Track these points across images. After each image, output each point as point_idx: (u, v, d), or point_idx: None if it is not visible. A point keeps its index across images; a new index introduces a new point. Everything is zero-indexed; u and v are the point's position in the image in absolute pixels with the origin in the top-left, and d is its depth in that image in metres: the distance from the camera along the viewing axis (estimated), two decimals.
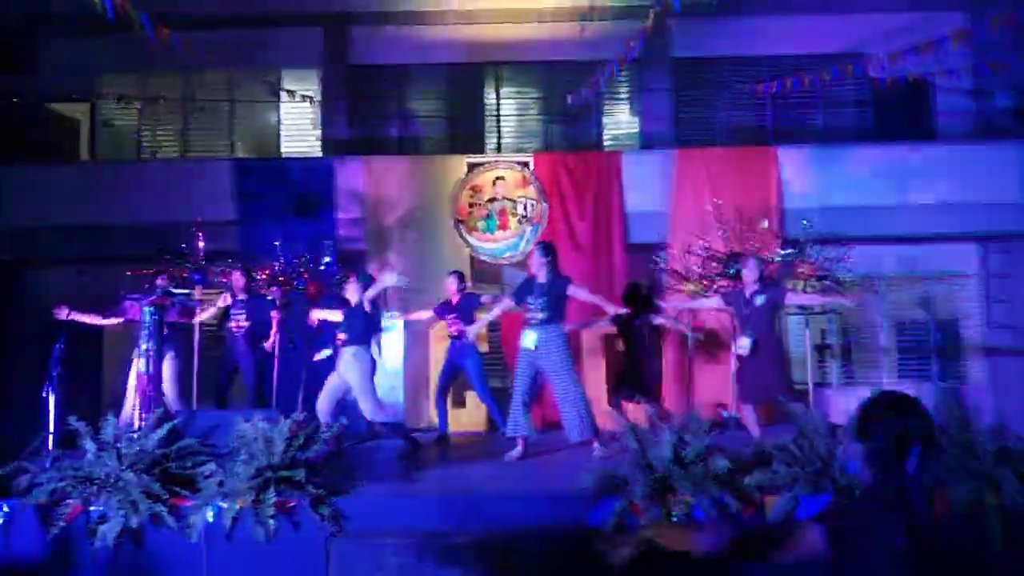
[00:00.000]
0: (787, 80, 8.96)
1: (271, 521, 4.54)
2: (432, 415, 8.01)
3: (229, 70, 8.80)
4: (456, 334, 7.29)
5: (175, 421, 5.24)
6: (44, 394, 5.48)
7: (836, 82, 9.39)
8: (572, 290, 6.24)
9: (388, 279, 6.46)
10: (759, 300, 6.30)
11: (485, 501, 4.78)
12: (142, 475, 4.69)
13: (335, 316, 6.71)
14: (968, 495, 4.27)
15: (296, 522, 4.63)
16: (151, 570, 4.62)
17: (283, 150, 10.67)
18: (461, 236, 9.01)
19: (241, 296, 7.49)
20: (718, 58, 10.50)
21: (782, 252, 8.23)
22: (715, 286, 8.01)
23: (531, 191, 9.09)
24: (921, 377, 9.59)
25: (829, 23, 10.15)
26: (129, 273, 7.68)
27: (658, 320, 7.35)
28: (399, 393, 8.39)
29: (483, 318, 6.93)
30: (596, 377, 7.87)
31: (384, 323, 8.48)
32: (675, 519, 4.35)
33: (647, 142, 10.32)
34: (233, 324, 7.44)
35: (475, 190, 9.12)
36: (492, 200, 9.09)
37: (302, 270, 7.96)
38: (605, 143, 10.64)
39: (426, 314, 7.64)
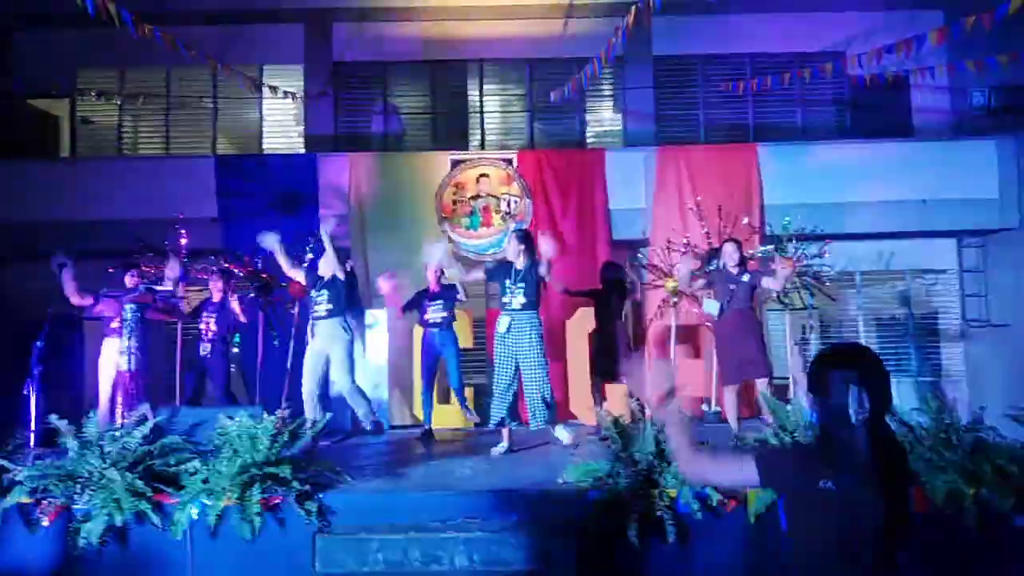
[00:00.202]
0: (767, 78, 9.05)
1: (256, 518, 4.54)
2: (418, 411, 8.03)
3: (211, 66, 8.73)
4: (439, 321, 7.31)
5: (158, 418, 5.23)
6: (25, 392, 5.45)
7: (815, 80, 9.51)
8: (542, 270, 6.27)
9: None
10: (745, 277, 6.42)
11: (471, 496, 4.80)
12: (126, 473, 4.67)
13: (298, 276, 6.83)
14: (945, 487, 4.35)
15: (281, 519, 4.64)
16: (136, 568, 4.61)
17: (265, 147, 10.62)
18: (445, 233, 9.02)
19: (217, 298, 7.44)
20: (699, 56, 10.57)
21: (762, 248, 8.34)
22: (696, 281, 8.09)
23: (515, 188, 9.12)
24: (899, 371, 9.72)
25: (808, 22, 10.26)
26: (111, 270, 7.61)
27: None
28: (383, 390, 8.38)
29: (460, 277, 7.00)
30: (581, 366, 7.91)
31: (368, 320, 8.52)
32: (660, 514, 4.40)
33: (630, 139, 10.38)
34: (203, 325, 7.39)
35: (459, 187, 9.14)
36: (476, 197, 9.11)
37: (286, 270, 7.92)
38: (588, 140, 10.68)
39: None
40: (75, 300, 6.73)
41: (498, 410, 6.24)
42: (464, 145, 10.45)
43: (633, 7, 7.07)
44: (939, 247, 9.70)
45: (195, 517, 4.59)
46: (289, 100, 10.00)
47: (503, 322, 6.23)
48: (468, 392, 7.83)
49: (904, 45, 7.34)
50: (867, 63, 7.95)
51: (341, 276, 6.66)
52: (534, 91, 10.56)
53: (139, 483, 4.62)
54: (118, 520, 4.55)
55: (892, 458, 2.15)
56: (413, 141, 10.66)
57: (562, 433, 6.32)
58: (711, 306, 6.45)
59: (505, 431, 6.29)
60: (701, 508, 4.42)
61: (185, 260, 7.72)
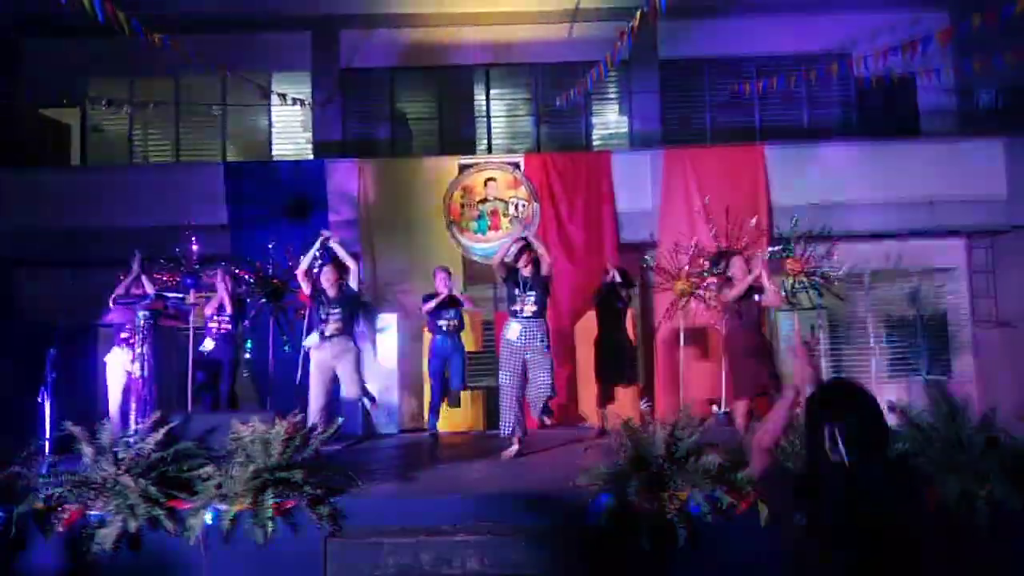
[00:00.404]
0: (773, 80, 9.05)
1: (269, 523, 4.57)
2: (426, 415, 8.07)
3: (220, 74, 8.79)
4: (452, 330, 7.41)
5: (171, 424, 5.27)
6: (40, 399, 5.50)
7: (821, 81, 9.51)
8: (544, 270, 6.33)
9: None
10: (755, 296, 6.41)
11: (481, 500, 4.82)
12: (139, 479, 4.71)
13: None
14: (957, 488, 4.34)
15: (294, 523, 4.66)
16: (150, 574, 4.64)
17: (274, 153, 10.68)
18: (453, 237, 9.05)
19: (224, 299, 7.48)
20: (705, 58, 10.58)
21: (770, 249, 8.33)
22: (704, 283, 8.11)
23: (522, 192, 9.14)
24: (908, 371, 9.70)
25: (814, 23, 10.26)
26: (122, 277, 7.66)
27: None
28: (393, 394, 8.41)
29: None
30: (590, 369, 7.92)
31: (379, 324, 8.56)
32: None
33: (636, 142, 10.39)
34: (213, 324, 7.44)
35: (466, 191, 9.17)
36: (483, 201, 9.14)
37: (295, 273, 7.97)
38: (594, 143, 10.70)
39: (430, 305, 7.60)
40: (149, 291, 6.94)
41: (508, 420, 6.24)
42: (471, 149, 10.48)
43: (639, 11, 7.08)
44: (948, 247, 9.67)
45: (208, 522, 4.62)
46: (297, 107, 10.04)
47: (514, 329, 6.23)
48: (478, 395, 7.86)
49: (910, 46, 7.34)
50: (873, 64, 7.95)
51: (355, 286, 6.67)
52: (540, 95, 10.59)
53: (153, 489, 4.65)
54: (132, 526, 4.59)
55: (880, 508, 2.12)
56: (421, 146, 10.71)
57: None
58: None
59: (514, 435, 6.30)
60: (712, 511, 4.42)
61: (196, 267, 7.78)
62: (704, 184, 9.11)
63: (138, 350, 6.05)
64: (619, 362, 7.37)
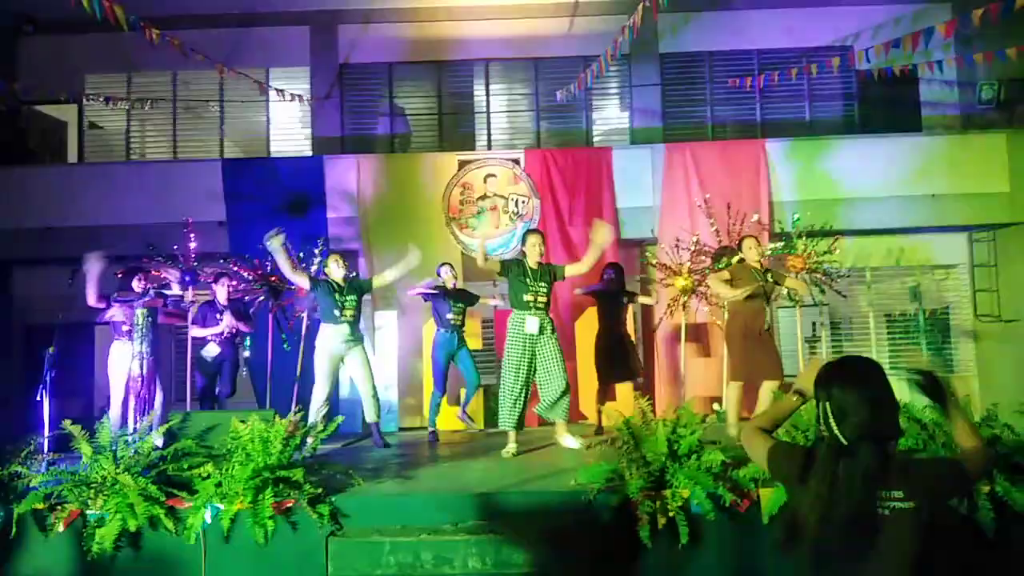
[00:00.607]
0: (774, 74, 9.02)
1: (269, 522, 4.56)
2: (427, 413, 8.06)
3: (217, 69, 8.74)
4: (459, 323, 7.37)
5: (171, 423, 5.25)
6: (38, 398, 5.48)
7: (823, 75, 9.48)
8: (571, 270, 6.34)
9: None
10: (769, 276, 6.42)
11: (482, 498, 4.80)
12: (139, 477, 4.70)
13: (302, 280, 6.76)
14: None
15: (294, 522, 4.65)
16: (150, 573, 4.63)
17: (272, 149, 10.65)
18: (452, 233, 9.02)
19: (224, 303, 7.45)
20: (706, 53, 10.53)
21: (771, 245, 8.30)
22: (706, 280, 8.08)
23: (522, 188, 9.11)
24: (910, 367, 9.67)
25: (815, 17, 10.22)
26: (119, 275, 7.63)
27: (643, 300, 7.78)
28: (393, 392, 8.39)
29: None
30: (591, 366, 7.90)
31: (377, 322, 8.54)
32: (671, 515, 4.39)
33: (636, 137, 10.36)
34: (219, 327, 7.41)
35: (466, 187, 9.14)
36: (483, 197, 9.11)
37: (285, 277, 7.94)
38: (595, 139, 10.66)
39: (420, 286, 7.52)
40: (91, 302, 6.72)
41: (511, 416, 6.20)
42: (471, 145, 10.45)
43: (640, 5, 7.04)
44: (950, 242, 9.64)
45: (208, 521, 4.61)
46: (296, 103, 10.01)
47: (532, 323, 6.16)
48: (478, 392, 7.82)
49: (912, 39, 7.30)
50: (875, 58, 7.91)
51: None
52: (540, 90, 10.55)
53: (152, 488, 4.64)
54: (131, 525, 4.57)
55: (865, 499, 2.03)
56: (420, 142, 10.67)
57: (571, 440, 6.27)
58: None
59: (512, 433, 6.27)
60: (714, 508, 4.40)
61: (194, 264, 7.74)
62: (705, 179, 9.08)
63: (137, 348, 6.03)
64: (619, 359, 7.34)
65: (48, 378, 5.52)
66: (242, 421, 5.03)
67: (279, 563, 4.58)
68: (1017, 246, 9.34)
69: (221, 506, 4.60)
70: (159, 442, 5.07)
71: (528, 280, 6.20)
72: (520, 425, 6.25)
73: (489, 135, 10.66)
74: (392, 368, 8.56)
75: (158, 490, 4.64)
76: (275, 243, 6.43)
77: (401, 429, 8.30)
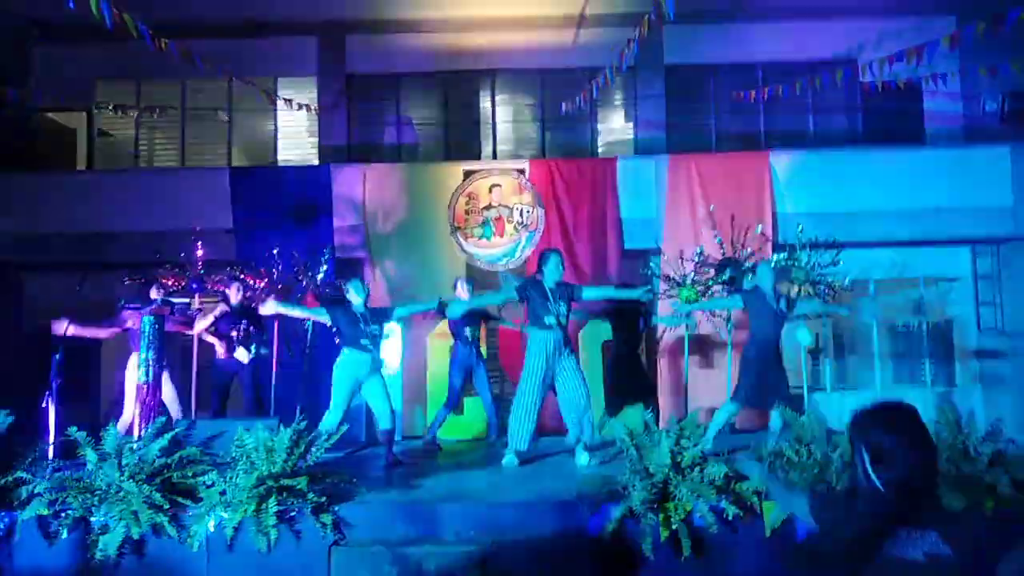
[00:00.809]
0: (779, 86, 9.04)
1: (272, 530, 4.58)
2: (430, 423, 8.09)
3: (226, 78, 8.81)
4: (473, 338, 7.46)
5: (176, 430, 5.28)
6: (44, 404, 5.51)
7: (827, 88, 9.48)
8: (588, 293, 6.38)
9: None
10: (782, 305, 6.39)
11: (485, 509, 4.81)
12: (143, 485, 4.72)
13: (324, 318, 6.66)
14: (963, 500, 4.32)
15: (297, 531, 4.68)
16: None
17: (280, 158, 10.70)
18: (458, 243, 9.05)
19: (236, 305, 7.48)
20: (711, 65, 10.56)
21: (775, 257, 8.31)
22: (712, 290, 8.09)
23: (527, 198, 9.14)
24: (914, 381, 9.67)
25: (820, 30, 10.24)
26: (127, 282, 7.67)
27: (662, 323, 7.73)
28: (397, 402, 8.40)
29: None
30: (592, 378, 7.92)
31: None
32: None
33: (641, 148, 10.38)
34: (232, 334, 7.44)
35: (471, 197, 9.17)
36: (488, 207, 9.14)
37: (300, 278, 7.98)
38: (599, 149, 10.70)
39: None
40: (103, 334, 7.05)
41: (525, 433, 6.20)
42: (476, 155, 10.49)
43: (645, 17, 7.07)
44: (953, 255, 9.64)
45: (212, 529, 4.63)
46: (303, 112, 10.06)
47: (551, 340, 6.17)
48: (480, 402, 7.84)
49: (916, 52, 7.32)
50: (879, 70, 7.93)
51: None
52: (546, 101, 10.60)
53: (157, 495, 4.67)
54: (135, 532, 4.60)
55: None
56: (426, 152, 10.72)
57: (583, 457, 6.24)
58: (807, 338, 6.42)
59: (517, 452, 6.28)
60: (717, 522, 4.41)
61: (201, 272, 7.79)
62: (709, 191, 9.09)
63: (143, 356, 6.06)
64: (631, 374, 7.38)
65: (54, 384, 5.55)
66: (246, 429, 5.06)
67: (282, 572, 4.60)
68: (1021, 259, 9.33)
69: (225, 514, 4.62)
70: None
71: (549, 302, 6.20)
72: (530, 444, 6.26)
73: (495, 145, 10.71)
74: (396, 379, 8.57)
75: (162, 497, 4.67)
76: (271, 309, 6.35)
77: (404, 438, 8.31)
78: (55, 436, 5.45)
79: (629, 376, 7.37)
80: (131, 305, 6.81)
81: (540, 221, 9.08)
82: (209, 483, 4.81)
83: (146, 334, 6.06)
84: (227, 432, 5.30)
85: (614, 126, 10.93)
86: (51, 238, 9.15)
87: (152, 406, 5.96)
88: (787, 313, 6.45)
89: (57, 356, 5.66)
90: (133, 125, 10.67)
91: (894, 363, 9.76)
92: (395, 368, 8.49)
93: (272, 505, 4.62)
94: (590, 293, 6.41)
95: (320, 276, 7.82)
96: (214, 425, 5.70)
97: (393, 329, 8.50)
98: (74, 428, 5.05)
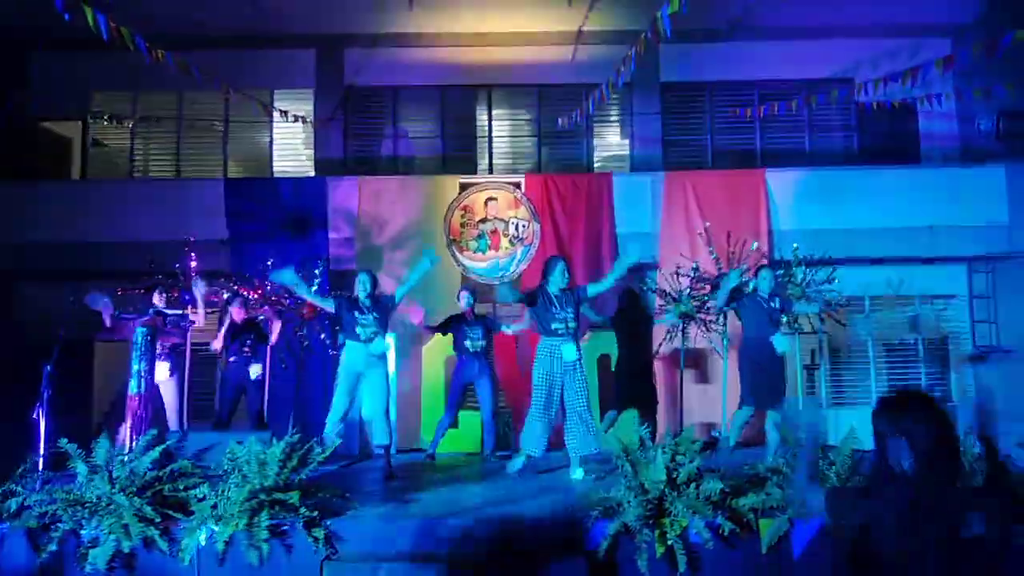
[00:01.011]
0: (775, 104, 9.08)
1: (264, 544, 4.53)
2: (427, 435, 8.05)
3: (222, 90, 8.81)
4: (478, 350, 7.43)
5: (168, 443, 5.24)
6: (34, 416, 5.45)
7: (823, 106, 9.55)
8: (593, 288, 6.34)
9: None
10: (775, 304, 6.44)
11: (479, 524, 4.77)
12: (134, 498, 4.67)
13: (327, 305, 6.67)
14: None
15: (289, 545, 4.62)
16: None
17: (275, 170, 10.68)
18: (453, 256, 9.04)
19: (241, 320, 7.45)
20: (707, 82, 10.64)
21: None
22: (705, 306, 8.09)
23: (523, 212, 9.14)
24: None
25: (816, 49, 10.33)
26: (120, 292, 7.63)
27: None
28: (392, 414, 8.34)
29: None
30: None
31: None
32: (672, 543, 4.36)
33: (637, 164, 10.42)
34: (245, 348, 7.41)
35: (467, 210, 9.17)
36: (484, 220, 9.14)
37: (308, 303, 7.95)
38: (595, 165, 10.72)
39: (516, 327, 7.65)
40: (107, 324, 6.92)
41: (540, 442, 6.20)
42: (472, 169, 10.51)
43: (641, 35, 7.11)
44: (949, 272, 9.66)
45: (203, 543, 4.58)
46: (299, 124, 10.06)
47: (569, 350, 6.15)
48: (477, 415, 7.80)
49: (911, 72, 7.37)
50: (874, 90, 7.98)
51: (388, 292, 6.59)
52: (543, 116, 10.63)
53: (147, 508, 4.62)
54: (126, 546, 4.54)
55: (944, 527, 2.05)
56: (422, 165, 10.72)
57: (579, 472, 6.21)
58: (783, 344, 6.42)
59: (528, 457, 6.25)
60: (713, 537, 4.38)
61: (209, 288, 7.75)
62: (705, 208, 9.12)
63: (135, 367, 6.02)
64: (637, 386, 7.38)
65: (45, 396, 5.50)
66: (239, 442, 5.01)
67: None
68: (1015, 277, 9.37)
69: (216, 528, 4.57)
70: None
71: (555, 308, 6.19)
72: (541, 449, 6.25)
73: (491, 159, 10.72)
74: (391, 389, 8.52)
75: (153, 511, 4.62)
76: (287, 278, 6.38)
77: (398, 451, 8.25)
78: (45, 448, 5.39)
79: (633, 386, 7.39)
80: (125, 315, 6.77)
81: (536, 236, 9.08)
82: (201, 496, 4.76)
83: (138, 345, 6.03)
84: (219, 445, 5.25)
85: (610, 142, 10.97)
86: (44, 247, 9.10)
87: (144, 417, 5.91)
88: (779, 313, 6.49)
89: (48, 367, 5.61)
90: (129, 135, 10.65)
91: (890, 379, 9.75)
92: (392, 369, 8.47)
93: (264, 519, 4.57)
94: (594, 288, 6.38)
95: (314, 288, 7.77)
96: (206, 437, 5.65)
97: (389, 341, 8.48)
98: (64, 440, 5.00)
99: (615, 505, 4.60)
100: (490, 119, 10.80)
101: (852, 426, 5.07)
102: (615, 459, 4.97)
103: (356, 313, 6.46)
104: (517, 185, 9.29)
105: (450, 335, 7.65)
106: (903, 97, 8.78)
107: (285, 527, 4.63)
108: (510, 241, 9.12)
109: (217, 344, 7.38)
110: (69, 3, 5.60)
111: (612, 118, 10.89)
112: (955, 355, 9.78)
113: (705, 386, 8.70)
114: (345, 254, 9.16)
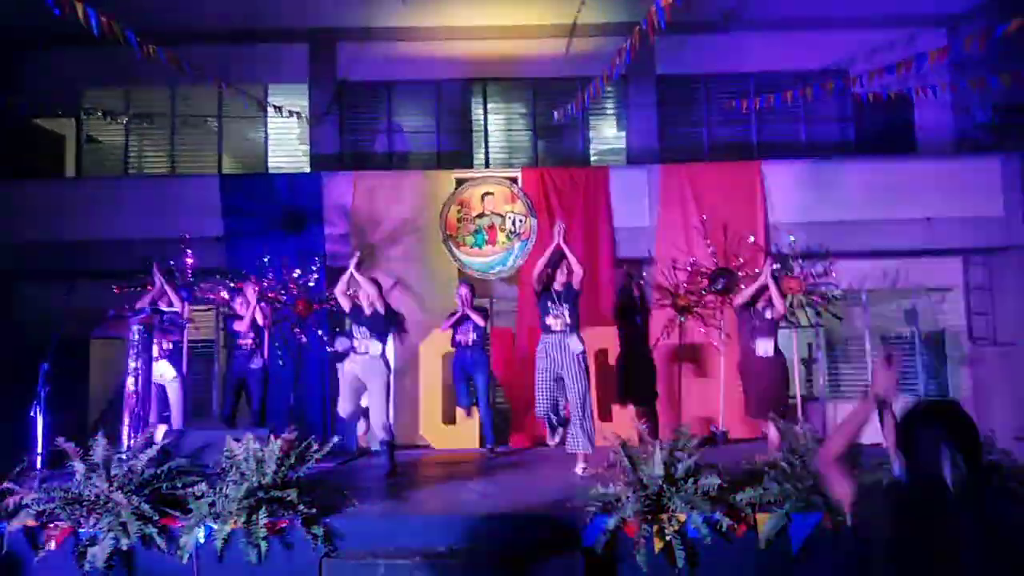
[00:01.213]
0: (771, 96, 9.06)
1: (263, 542, 4.52)
2: (426, 431, 8.07)
3: (216, 85, 8.78)
4: (471, 344, 7.48)
5: (165, 441, 5.23)
6: (32, 414, 5.43)
7: (819, 98, 9.52)
8: (575, 282, 6.26)
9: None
10: (768, 313, 6.41)
11: (478, 520, 4.77)
12: (132, 496, 4.65)
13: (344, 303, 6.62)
14: None
15: (288, 542, 4.61)
16: None
17: (270, 165, 10.66)
18: (450, 251, 9.02)
19: (246, 316, 7.43)
20: (703, 75, 10.62)
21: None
22: (702, 301, 8.10)
23: (519, 207, 9.12)
24: (906, 390, 9.68)
25: (812, 40, 10.31)
26: (116, 290, 7.61)
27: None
28: (389, 411, 8.34)
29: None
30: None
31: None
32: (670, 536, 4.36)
33: (633, 157, 10.40)
34: (244, 342, 7.40)
35: (463, 205, 9.15)
36: (481, 215, 9.12)
37: (291, 286, 7.94)
38: (591, 159, 10.71)
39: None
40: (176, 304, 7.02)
41: (551, 430, 6.36)
42: (468, 163, 10.48)
43: (637, 27, 7.08)
44: (945, 265, 9.68)
45: (201, 541, 4.57)
46: (294, 119, 10.03)
47: (554, 341, 6.16)
48: (475, 411, 7.80)
49: (906, 63, 7.36)
50: (870, 81, 7.97)
51: (381, 310, 6.55)
52: (538, 110, 10.61)
53: (145, 506, 4.60)
54: (124, 544, 4.53)
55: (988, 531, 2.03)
56: (418, 160, 10.69)
57: (579, 468, 6.17)
58: (767, 348, 6.39)
59: (580, 454, 6.16)
60: (711, 533, 4.39)
61: (191, 279, 7.73)
62: (701, 200, 9.11)
63: (132, 365, 6.00)
64: (638, 379, 7.39)
65: (42, 394, 5.48)
66: (237, 440, 5.00)
67: None
68: (1012, 269, 9.39)
69: (215, 526, 4.56)
70: None
71: (551, 304, 6.19)
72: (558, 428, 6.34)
73: (487, 154, 10.70)
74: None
75: (151, 509, 4.60)
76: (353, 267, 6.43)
77: (397, 449, 8.24)
78: (43, 446, 5.37)
79: (632, 380, 7.41)
80: (115, 312, 6.74)
81: (533, 230, 9.07)
82: (199, 494, 4.74)
83: (135, 342, 6.00)
84: (217, 443, 5.24)
85: (606, 135, 10.95)
86: (39, 246, 9.07)
87: (142, 416, 5.90)
88: (765, 316, 6.46)
89: (45, 365, 5.59)
90: (123, 132, 10.61)
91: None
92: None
93: (262, 516, 4.56)
94: (575, 278, 6.32)
95: (311, 284, 7.76)
96: (204, 435, 5.63)
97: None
98: (62, 438, 4.98)
99: (613, 500, 4.60)
100: (485, 113, 10.77)
101: None
102: (613, 455, 4.96)
103: (355, 326, 6.49)
104: (513, 180, 9.26)
105: (448, 331, 7.68)
106: (899, 88, 8.77)
107: (283, 525, 4.62)
108: (507, 236, 9.10)
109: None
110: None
111: (608, 111, 10.87)
112: (951, 348, 9.80)
113: (703, 380, 8.70)
114: (341, 250, 9.13)
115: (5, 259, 9.15)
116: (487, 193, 9.19)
